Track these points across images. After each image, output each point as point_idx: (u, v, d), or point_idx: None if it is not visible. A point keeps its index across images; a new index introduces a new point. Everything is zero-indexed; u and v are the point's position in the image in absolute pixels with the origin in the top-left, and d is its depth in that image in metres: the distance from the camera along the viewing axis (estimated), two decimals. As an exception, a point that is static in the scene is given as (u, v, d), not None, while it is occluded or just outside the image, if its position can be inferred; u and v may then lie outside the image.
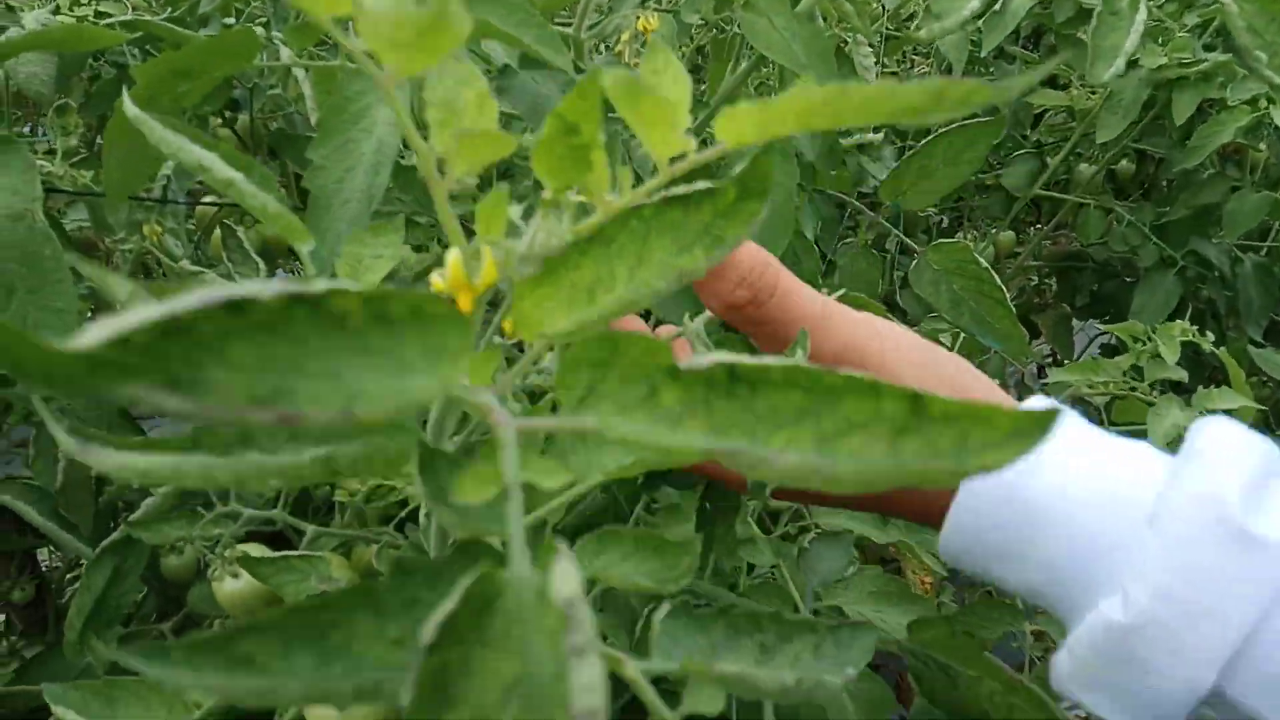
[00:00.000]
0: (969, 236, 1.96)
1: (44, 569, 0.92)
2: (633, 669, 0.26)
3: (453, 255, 0.25)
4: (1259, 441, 0.40)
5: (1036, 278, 2.22)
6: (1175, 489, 0.37)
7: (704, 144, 0.25)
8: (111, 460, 0.22)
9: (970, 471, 0.21)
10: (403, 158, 0.69)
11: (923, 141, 0.85)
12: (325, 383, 0.17)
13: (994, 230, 1.86)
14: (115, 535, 0.76)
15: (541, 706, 0.16)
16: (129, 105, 0.34)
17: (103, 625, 0.74)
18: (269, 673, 0.18)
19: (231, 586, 0.72)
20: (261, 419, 0.16)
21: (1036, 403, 0.44)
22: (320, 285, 0.17)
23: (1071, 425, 0.42)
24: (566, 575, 0.17)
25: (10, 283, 0.59)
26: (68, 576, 0.96)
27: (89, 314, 1.31)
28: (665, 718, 0.25)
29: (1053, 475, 0.40)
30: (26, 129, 1.21)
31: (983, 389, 0.46)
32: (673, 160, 0.24)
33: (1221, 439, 0.39)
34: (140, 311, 0.15)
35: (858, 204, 0.97)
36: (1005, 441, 0.21)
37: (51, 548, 0.94)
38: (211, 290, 0.16)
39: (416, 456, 0.24)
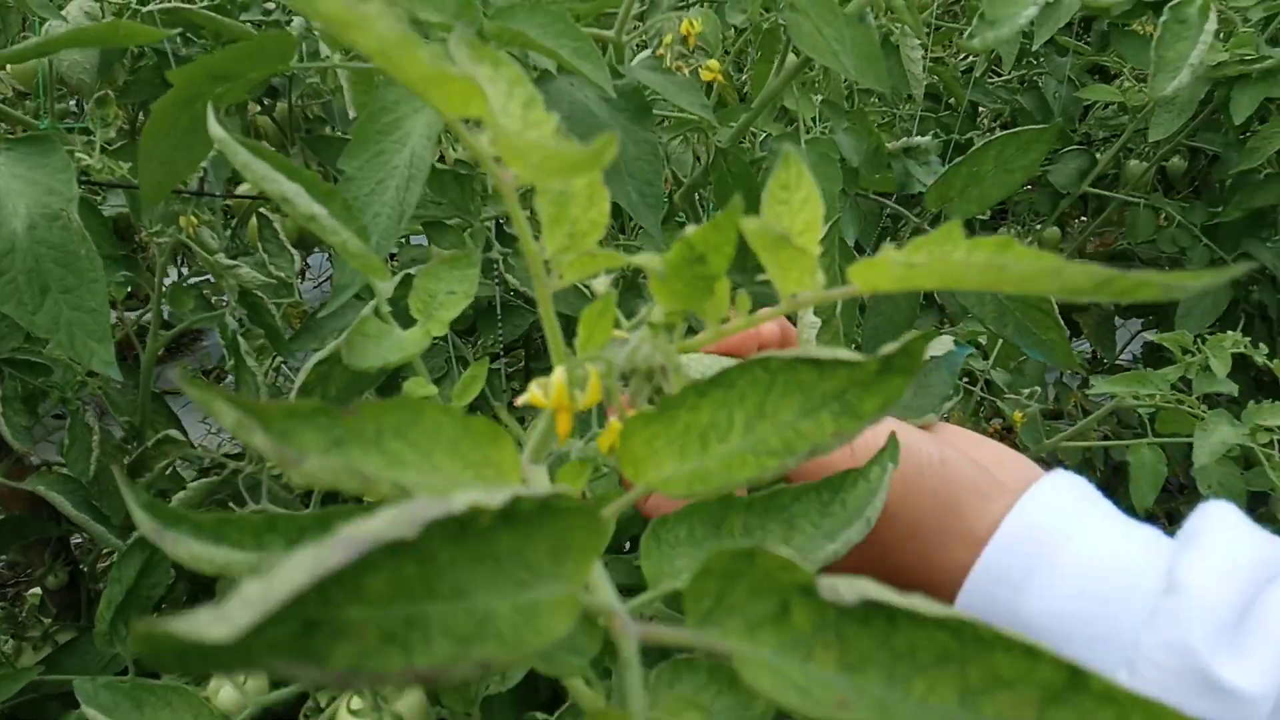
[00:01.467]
0: (1013, 233, 1.92)
1: (77, 555, 0.93)
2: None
3: (559, 374, 0.24)
4: (1254, 545, 0.39)
5: (1080, 274, 2.17)
6: (1151, 633, 0.37)
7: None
8: (188, 550, 0.21)
9: None
10: (441, 160, 0.68)
11: (973, 149, 0.82)
12: (454, 605, 0.16)
13: (1039, 227, 1.82)
14: (147, 528, 0.76)
15: None
16: (214, 127, 0.33)
17: (133, 616, 0.74)
18: None
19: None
20: (393, 677, 0.15)
21: (1059, 479, 0.44)
22: (461, 502, 0.16)
23: (1072, 526, 0.42)
24: None
25: (45, 282, 0.59)
26: (100, 564, 0.97)
27: (126, 298, 1.32)
28: None
29: (1041, 600, 0.40)
30: (72, 103, 1.21)
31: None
32: (795, 295, 0.23)
33: (1208, 556, 0.38)
34: (283, 579, 0.14)
35: (897, 207, 0.95)
36: None
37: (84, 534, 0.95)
38: (349, 535, 0.14)
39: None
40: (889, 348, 0.21)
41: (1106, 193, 1.73)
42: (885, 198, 0.95)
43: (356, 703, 0.52)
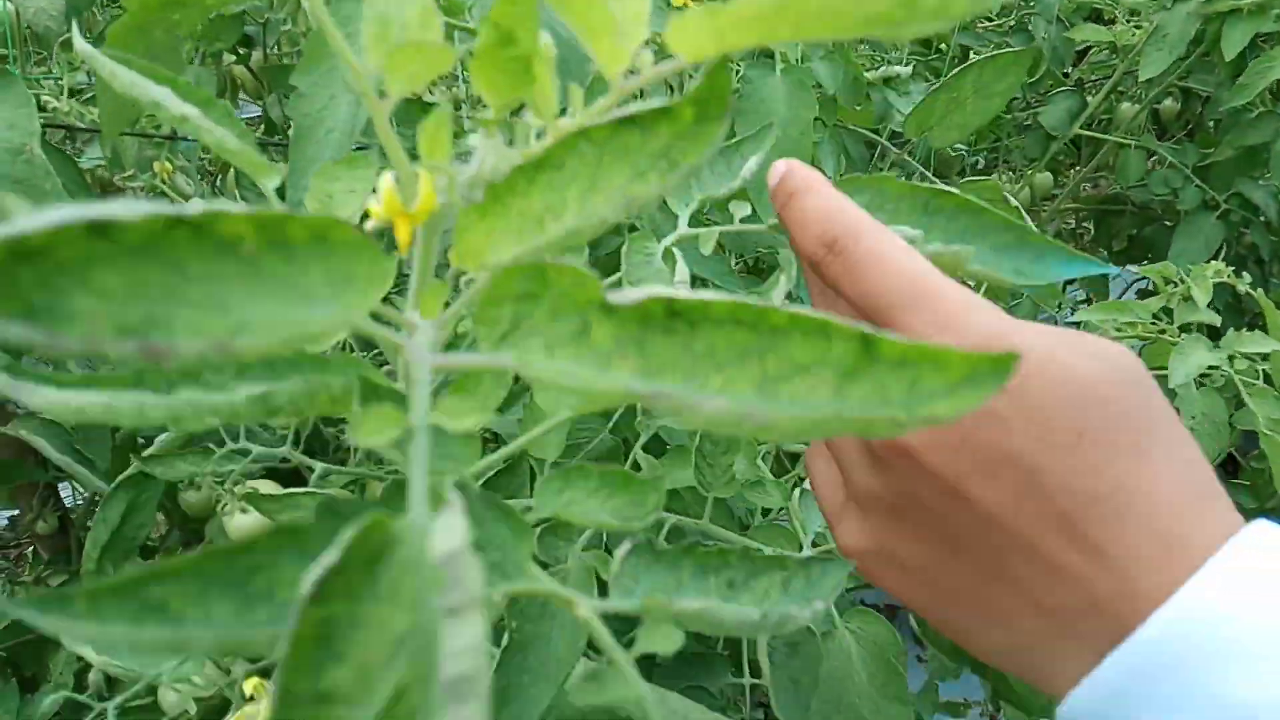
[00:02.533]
0: (1004, 177, 1.91)
1: (66, 503, 0.94)
2: (585, 608, 0.25)
3: (387, 179, 0.24)
4: None
5: (1074, 221, 2.17)
6: None
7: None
8: (42, 398, 0.22)
9: (916, 423, 0.19)
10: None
11: (951, 73, 0.82)
12: (208, 313, 0.16)
13: (1030, 171, 1.81)
14: (129, 470, 0.77)
15: (428, 661, 0.15)
16: (78, 41, 0.33)
17: (119, 557, 0.75)
18: (183, 622, 0.17)
19: (241, 522, 0.73)
20: (123, 351, 0.15)
21: (1260, 531, 0.31)
22: (198, 207, 0.16)
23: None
24: (450, 529, 0.16)
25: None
26: (90, 509, 0.98)
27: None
28: (616, 657, 0.24)
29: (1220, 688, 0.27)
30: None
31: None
32: (626, 74, 0.23)
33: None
34: None
35: (886, 142, 0.94)
36: (957, 388, 0.19)
37: (74, 482, 0.96)
38: (67, 209, 0.15)
39: (357, 391, 0.23)
40: (696, 83, 0.22)
41: (1099, 135, 1.72)
42: (876, 135, 0.94)
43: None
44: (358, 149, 0.48)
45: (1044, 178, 1.91)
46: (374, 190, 0.33)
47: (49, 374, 0.22)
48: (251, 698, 0.43)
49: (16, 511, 0.96)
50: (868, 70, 0.90)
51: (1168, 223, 1.81)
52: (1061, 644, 0.30)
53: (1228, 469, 1.85)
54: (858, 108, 0.90)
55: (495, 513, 0.28)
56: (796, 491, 0.63)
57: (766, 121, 0.77)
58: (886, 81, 0.87)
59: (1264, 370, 0.90)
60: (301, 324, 0.17)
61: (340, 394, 0.24)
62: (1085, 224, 2.12)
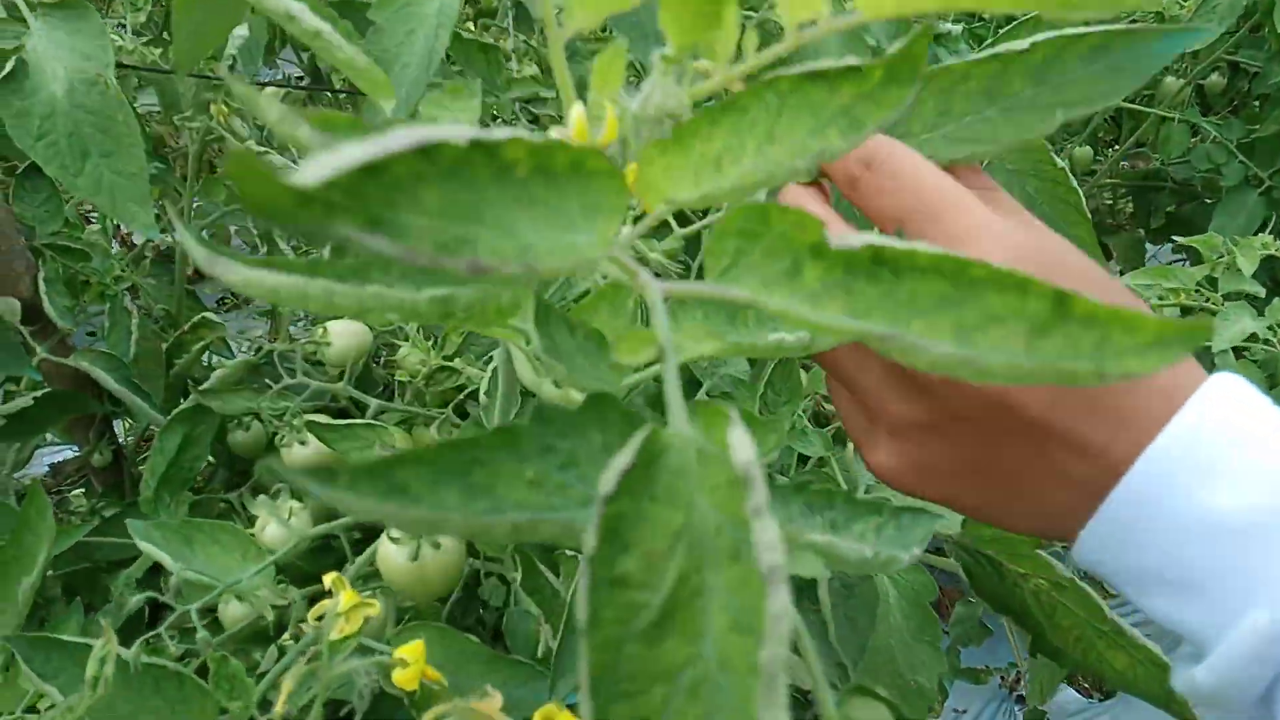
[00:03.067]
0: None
1: (120, 440, 0.96)
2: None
3: (577, 111, 0.25)
4: None
5: (1113, 198, 2.14)
6: None
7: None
8: (239, 274, 0.22)
9: (1111, 374, 0.20)
10: (463, 31, 0.68)
11: (1005, 29, 0.81)
12: (500, 234, 0.17)
13: (1070, 144, 1.79)
14: (186, 404, 0.79)
15: (705, 555, 0.17)
16: None
17: (175, 487, 0.77)
18: (420, 502, 0.19)
19: (299, 453, 0.75)
20: (456, 267, 0.16)
21: (1224, 381, 0.35)
22: (500, 133, 0.17)
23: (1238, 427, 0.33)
24: (742, 442, 0.18)
25: (85, 147, 0.61)
26: (139, 448, 1.01)
27: (155, 200, 1.34)
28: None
29: (1203, 500, 0.33)
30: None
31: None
32: (802, 26, 0.24)
33: None
34: (348, 151, 0.15)
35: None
36: (1148, 349, 0.20)
37: (128, 420, 0.98)
38: (407, 131, 0.16)
39: (532, 309, 0.24)
40: (892, 50, 0.22)
41: (1143, 108, 1.70)
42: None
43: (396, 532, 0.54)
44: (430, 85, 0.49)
45: (1084, 152, 1.89)
46: (465, 118, 0.34)
47: (242, 256, 0.24)
48: (330, 592, 0.44)
49: (73, 448, 0.98)
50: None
51: (1208, 200, 1.79)
52: (1086, 506, 0.34)
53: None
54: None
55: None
56: (849, 445, 0.64)
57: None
58: (937, 38, 0.87)
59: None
60: (574, 249, 0.19)
61: (508, 306, 0.25)
62: (1124, 200, 2.09)
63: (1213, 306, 0.90)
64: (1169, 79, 1.76)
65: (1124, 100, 1.65)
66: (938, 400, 0.35)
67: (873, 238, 0.20)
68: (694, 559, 0.17)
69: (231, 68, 0.90)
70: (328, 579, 0.45)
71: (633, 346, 0.22)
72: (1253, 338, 0.89)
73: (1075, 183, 0.87)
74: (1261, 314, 0.88)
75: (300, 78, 1.38)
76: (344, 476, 0.18)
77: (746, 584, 0.17)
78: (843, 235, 0.20)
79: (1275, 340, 0.87)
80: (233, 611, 0.58)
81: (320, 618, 0.44)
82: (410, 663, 0.42)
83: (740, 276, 0.21)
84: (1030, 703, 1.58)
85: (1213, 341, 0.84)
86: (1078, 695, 1.84)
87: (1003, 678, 1.78)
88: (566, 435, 0.21)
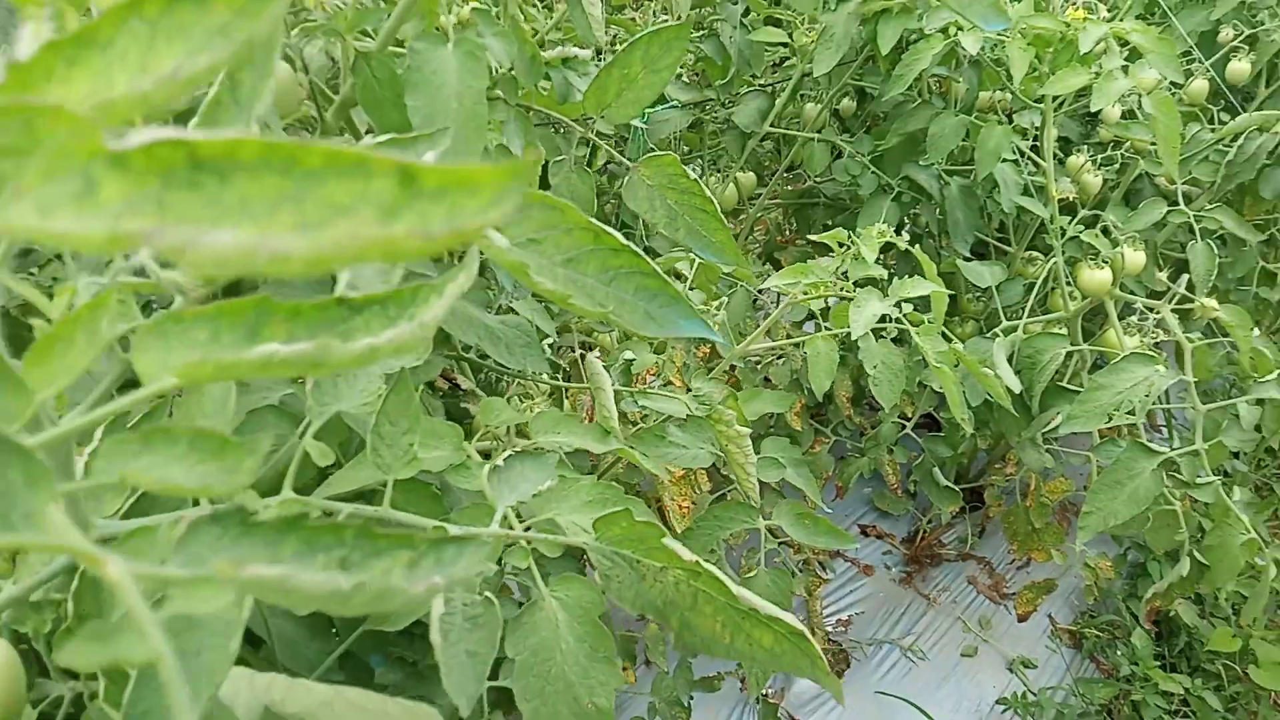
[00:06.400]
0: (714, 179, 2.01)
1: None
2: (117, 568, 0.21)
3: None
4: None
5: (781, 216, 2.33)
6: None
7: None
8: None
9: (469, 235, 0.20)
10: None
11: (619, 50, 0.83)
12: None
13: (735, 169, 1.92)
14: None
15: None
16: None
17: None
18: None
19: None
20: None
21: None
22: None
23: None
24: None
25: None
26: None
27: None
28: (141, 616, 0.21)
29: None
30: None
31: None
32: None
33: None
34: None
35: (568, 120, 0.95)
36: (491, 205, 0.19)
37: None
38: None
39: None
40: None
41: (787, 131, 1.86)
42: (554, 113, 0.94)
43: None
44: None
45: (748, 177, 2.04)
46: None
47: None
48: None
49: None
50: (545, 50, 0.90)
51: (856, 210, 1.98)
52: None
53: (927, 427, 2.05)
54: (541, 88, 0.90)
55: (7, 455, 0.24)
56: (485, 469, 0.61)
57: (438, 92, 0.74)
58: (565, 62, 0.88)
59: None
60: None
61: None
62: (790, 218, 2.28)
63: (847, 294, 0.98)
64: (809, 105, 1.94)
65: (772, 126, 1.80)
66: None
67: (172, 132, 0.17)
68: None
69: None
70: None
71: None
72: (884, 319, 0.96)
73: (708, 192, 0.91)
74: (886, 293, 0.96)
75: None
76: None
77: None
78: (126, 135, 0.16)
79: (903, 315, 0.95)
80: None
81: None
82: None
83: (6, 206, 0.17)
84: (751, 694, 1.63)
85: (852, 327, 0.90)
86: (811, 684, 1.93)
87: (743, 681, 1.83)
88: None
